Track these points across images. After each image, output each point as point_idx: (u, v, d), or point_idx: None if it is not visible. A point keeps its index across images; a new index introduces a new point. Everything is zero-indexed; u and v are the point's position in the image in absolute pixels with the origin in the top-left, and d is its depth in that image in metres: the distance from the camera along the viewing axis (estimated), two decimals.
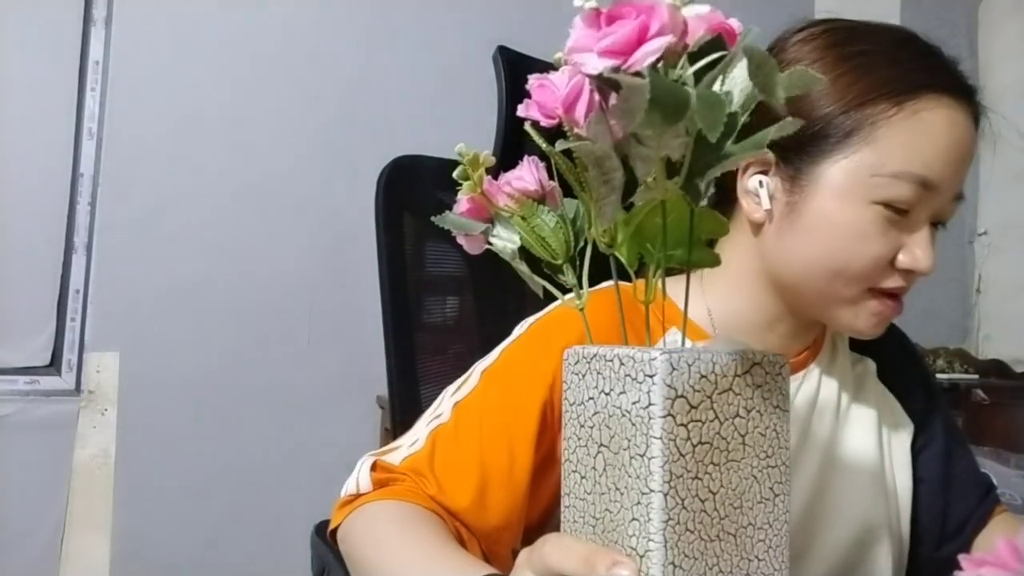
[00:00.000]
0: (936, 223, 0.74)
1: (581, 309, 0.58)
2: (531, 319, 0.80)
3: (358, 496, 0.73)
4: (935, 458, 0.85)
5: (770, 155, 0.74)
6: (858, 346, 0.87)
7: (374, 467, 0.74)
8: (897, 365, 0.88)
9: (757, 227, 0.77)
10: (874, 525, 0.81)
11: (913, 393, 0.87)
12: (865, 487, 0.81)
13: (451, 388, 0.79)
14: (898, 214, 0.70)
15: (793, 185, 0.73)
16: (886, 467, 0.83)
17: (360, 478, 0.73)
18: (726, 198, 0.79)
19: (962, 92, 0.73)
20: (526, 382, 0.74)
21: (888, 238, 0.71)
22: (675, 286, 0.74)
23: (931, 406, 0.88)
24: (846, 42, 0.74)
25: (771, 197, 0.74)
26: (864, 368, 0.86)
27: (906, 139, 0.70)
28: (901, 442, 0.84)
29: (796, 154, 0.73)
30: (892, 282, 0.72)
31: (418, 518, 0.68)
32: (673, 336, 0.76)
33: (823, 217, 0.72)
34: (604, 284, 0.70)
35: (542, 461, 0.73)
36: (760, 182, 0.75)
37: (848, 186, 0.71)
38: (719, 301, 0.80)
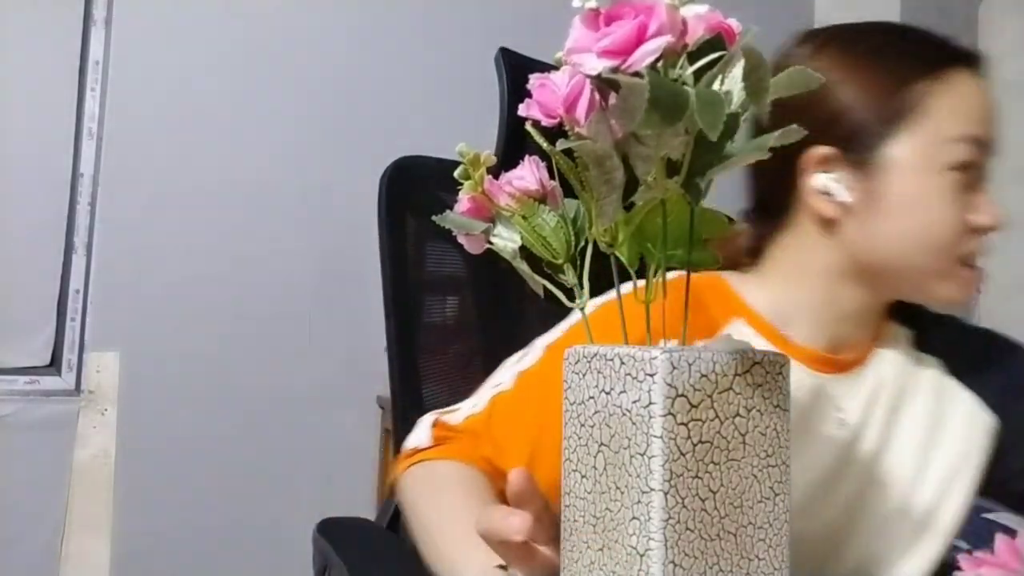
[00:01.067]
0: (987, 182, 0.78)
1: (582, 309, 0.58)
2: (600, 299, 0.80)
3: (417, 451, 0.77)
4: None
5: (831, 151, 0.76)
6: (928, 347, 0.87)
7: (435, 424, 0.78)
8: (970, 361, 0.87)
9: (828, 223, 0.78)
10: (913, 525, 0.80)
11: (991, 386, 0.86)
12: (909, 483, 0.81)
13: (513, 359, 0.81)
14: (965, 175, 0.74)
15: (864, 174, 0.76)
16: (933, 469, 0.81)
17: (421, 434, 0.77)
18: (777, 203, 0.81)
19: (975, 59, 0.79)
20: None
21: (962, 201, 0.75)
22: (741, 282, 0.81)
23: (1011, 390, 0.86)
24: (857, 41, 0.79)
25: (835, 196, 0.76)
26: (928, 365, 0.86)
27: (951, 106, 0.75)
28: (971, 439, 0.83)
29: (857, 144, 0.75)
30: (973, 246, 0.76)
31: (467, 480, 0.72)
32: (736, 326, 0.79)
33: (907, 194, 0.75)
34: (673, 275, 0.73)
35: None
36: (830, 178, 0.77)
37: (918, 159, 0.74)
38: (784, 295, 0.81)
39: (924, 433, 0.82)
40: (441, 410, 0.80)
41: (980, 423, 0.83)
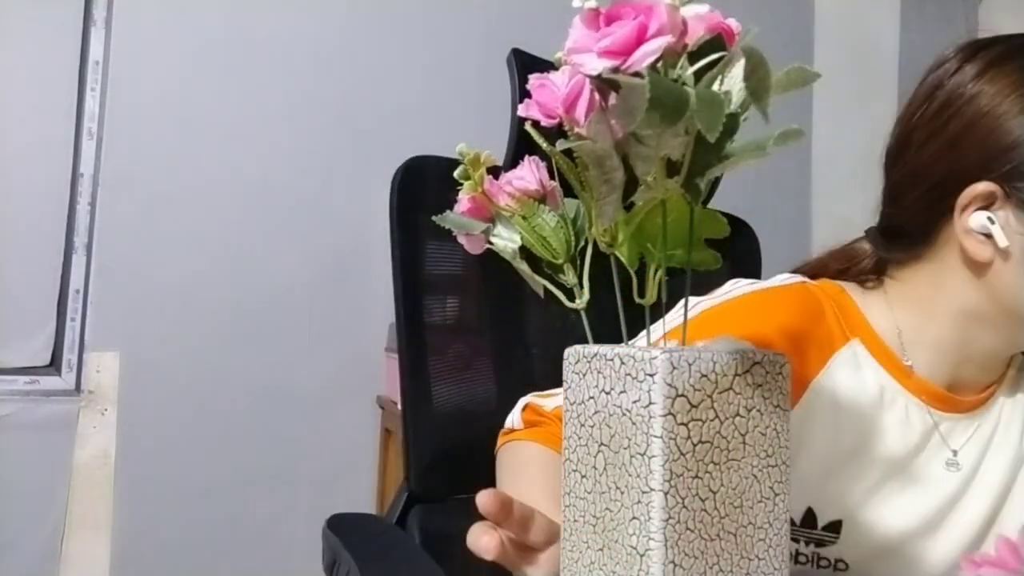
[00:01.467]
0: None
1: (581, 309, 0.58)
2: (746, 284, 0.79)
3: (512, 431, 0.81)
4: None
5: (995, 188, 0.70)
6: None
7: (527, 408, 0.81)
8: None
9: (979, 265, 0.73)
10: None
11: None
12: None
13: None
14: None
15: (1017, 226, 0.70)
16: None
17: (514, 415, 0.81)
18: (923, 232, 0.77)
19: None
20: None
21: None
22: (865, 300, 0.77)
23: None
24: None
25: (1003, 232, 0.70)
26: None
27: None
28: None
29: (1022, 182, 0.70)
30: None
31: (547, 461, 0.74)
32: (853, 347, 0.76)
33: None
34: (789, 279, 0.77)
35: None
36: (989, 219, 0.71)
37: None
38: (911, 323, 0.78)
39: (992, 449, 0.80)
40: (537, 393, 0.82)
41: None
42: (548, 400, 0.81)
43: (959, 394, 0.79)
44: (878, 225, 0.82)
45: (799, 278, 0.80)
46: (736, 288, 0.79)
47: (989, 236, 0.71)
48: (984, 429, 0.79)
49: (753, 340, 0.70)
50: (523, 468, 0.77)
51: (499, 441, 0.83)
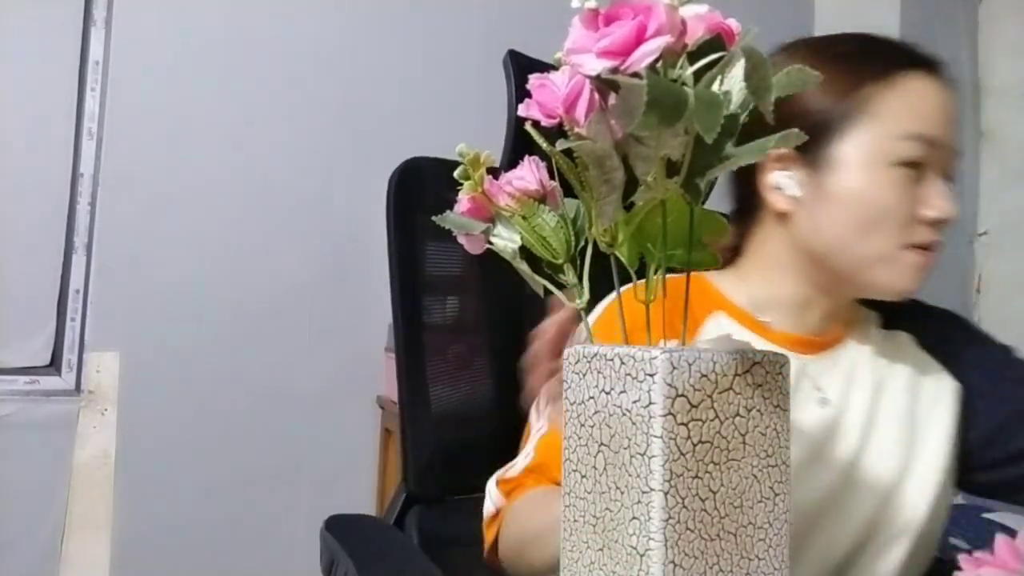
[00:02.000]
0: (947, 179, 0.82)
1: (582, 309, 0.58)
2: (599, 307, 0.86)
3: (498, 512, 0.83)
4: (995, 402, 0.88)
5: (787, 151, 0.81)
6: (896, 326, 0.92)
7: (499, 483, 0.83)
8: (937, 334, 0.92)
9: (784, 217, 0.85)
10: (895, 511, 0.83)
11: (960, 354, 0.91)
12: (895, 457, 0.84)
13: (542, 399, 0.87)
14: (914, 170, 0.79)
15: (816, 171, 0.82)
16: (919, 429, 0.86)
17: (493, 498, 0.84)
18: (747, 201, 0.88)
19: (933, 64, 0.83)
20: None
21: (910, 194, 0.79)
22: (719, 278, 0.87)
23: (982, 358, 0.91)
24: (822, 49, 0.86)
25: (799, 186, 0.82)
26: (900, 340, 0.91)
27: (901, 106, 0.80)
28: (944, 403, 0.88)
29: (810, 144, 0.78)
30: (922, 235, 0.80)
31: (549, 491, 0.78)
32: (717, 318, 0.84)
33: (852, 187, 0.80)
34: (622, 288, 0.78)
35: None
36: (783, 175, 0.83)
37: (866, 155, 0.80)
38: (758, 288, 0.87)
39: (906, 407, 0.86)
40: (500, 471, 0.85)
41: (949, 389, 0.88)
42: (512, 471, 0.84)
43: (817, 337, 0.88)
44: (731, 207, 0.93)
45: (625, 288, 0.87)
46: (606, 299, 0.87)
47: (783, 190, 0.83)
48: (843, 365, 0.87)
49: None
50: (531, 505, 0.79)
51: (488, 532, 0.84)
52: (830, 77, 0.78)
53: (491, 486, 0.84)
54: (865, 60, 0.83)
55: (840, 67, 0.81)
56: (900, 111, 0.80)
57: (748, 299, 0.87)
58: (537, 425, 0.85)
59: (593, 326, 0.84)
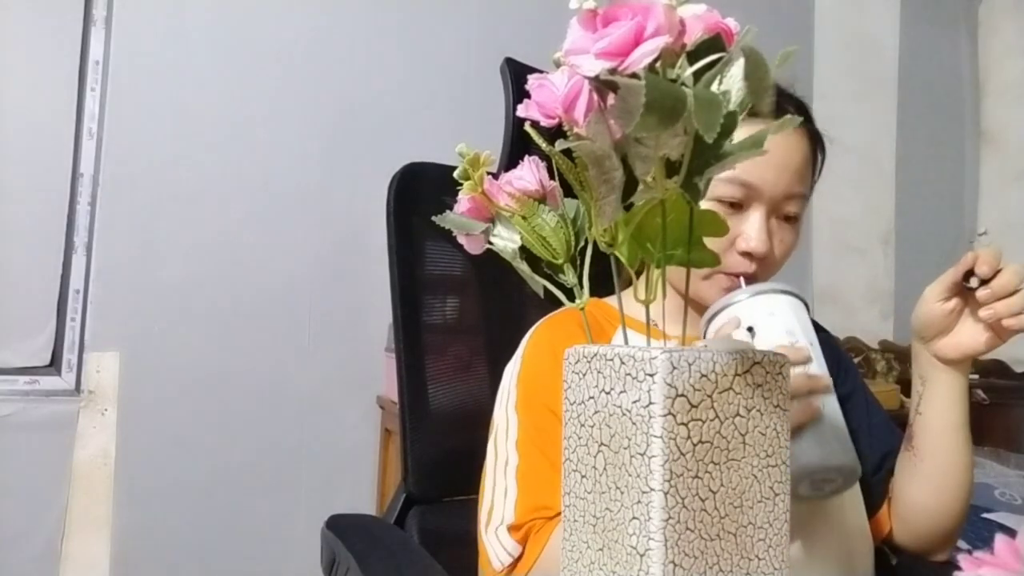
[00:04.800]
0: (785, 217, 0.89)
1: (582, 309, 0.58)
2: (517, 353, 0.91)
3: (518, 560, 0.83)
4: (856, 408, 0.97)
5: None
6: None
7: (510, 529, 0.83)
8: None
9: None
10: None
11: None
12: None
13: (499, 433, 0.88)
14: (732, 208, 0.86)
15: None
16: None
17: (505, 546, 0.84)
18: None
19: (781, 112, 0.84)
20: (552, 402, 0.83)
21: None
22: (622, 299, 0.84)
23: (841, 364, 1.00)
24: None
25: None
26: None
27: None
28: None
29: None
30: (738, 266, 0.86)
31: None
32: (619, 332, 0.86)
33: None
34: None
35: None
36: None
37: None
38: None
39: None
40: (484, 520, 0.86)
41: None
42: (501, 514, 0.84)
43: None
44: None
45: (565, 308, 0.88)
46: (515, 362, 0.92)
47: None
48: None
49: (540, 375, 0.87)
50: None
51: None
52: None
53: (492, 538, 0.84)
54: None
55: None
56: None
57: (642, 312, 0.87)
58: (503, 459, 0.86)
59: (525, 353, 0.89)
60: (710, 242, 0.79)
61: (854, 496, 0.89)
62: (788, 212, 0.89)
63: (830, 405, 0.77)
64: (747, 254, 0.86)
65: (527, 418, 0.86)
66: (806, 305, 0.82)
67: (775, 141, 0.81)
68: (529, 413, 0.86)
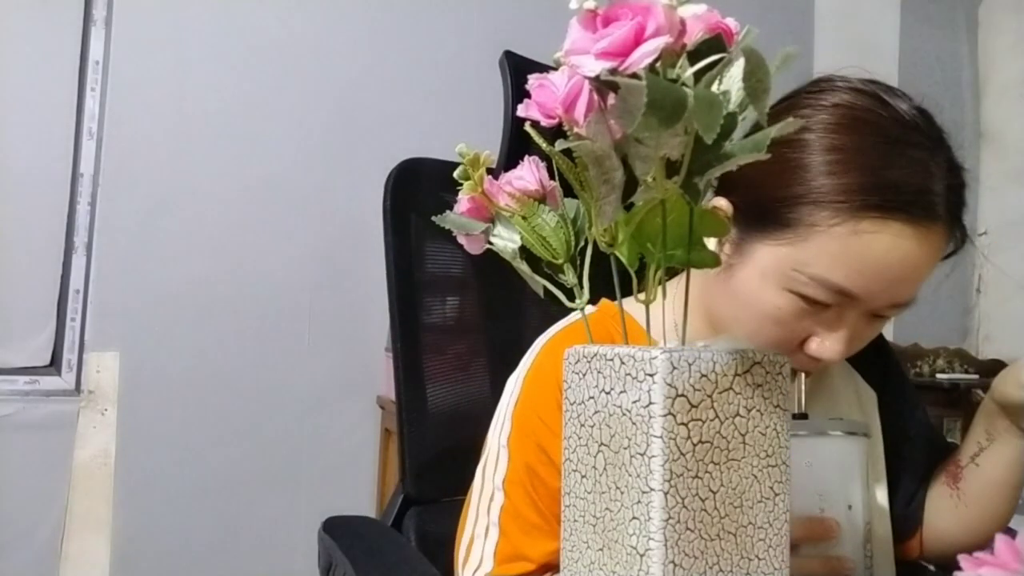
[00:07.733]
0: (874, 316, 0.74)
1: (582, 309, 0.58)
2: (518, 375, 0.85)
3: None
4: (899, 415, 0.93)
5: (726, 205, 0.76)
6: None
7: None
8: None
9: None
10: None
11: (871, 364, 0.93)
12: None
13: (489, 461, 0.83)
14: (813, 306, 0.72)
15: (734, 248, 0.76)
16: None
17: None
18: None
19: (922, 215, 0.70)
20: (548, 438, 0.78)
21: (801, 324, 0.73)
22: (629, 305, 0.72)
23: (889, 371, 0.95)
24: (842, 129, 0.72)
25: (721, 250, 0.76)
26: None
27: (836, 251, 0.69)
28: (864, 411, 0.91)
29: (744, 223, 0.75)
30: (801, 363, 0.75)
31: None
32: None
33: (746, 289, 0.75)
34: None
35: None
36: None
37: (770, 270, 0.73)
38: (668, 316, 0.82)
39: (827, 409, 0.87)
40: (464, 560, 0.81)
41: (868, 397, 0.91)
42: (482, 550, 0.79)
43: None
44: None
45: (577, 319, 0.82)
46: (513, 387, 0.84)
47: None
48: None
49: (537, 409, 0.79)
50: None
51: None
52: (810, 168, 0.71)
53: None
54: (849, 176, 0.70)
55: (825, 167, 0.70)
56: (832, 255, 0.69)
57: (657, 325, 0.83)
58: (487, 494, 0.82)
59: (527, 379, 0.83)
60: (775, 336, 0.73)
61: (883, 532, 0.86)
62: (887, 314, 0.76)
63: None
64: (811, 355, 0.75)
65: (518, 456, 0.80)
66: (868, 436, 0.76)
67: (900, 250, 0.69)
68: (521, 451, 0.80)
